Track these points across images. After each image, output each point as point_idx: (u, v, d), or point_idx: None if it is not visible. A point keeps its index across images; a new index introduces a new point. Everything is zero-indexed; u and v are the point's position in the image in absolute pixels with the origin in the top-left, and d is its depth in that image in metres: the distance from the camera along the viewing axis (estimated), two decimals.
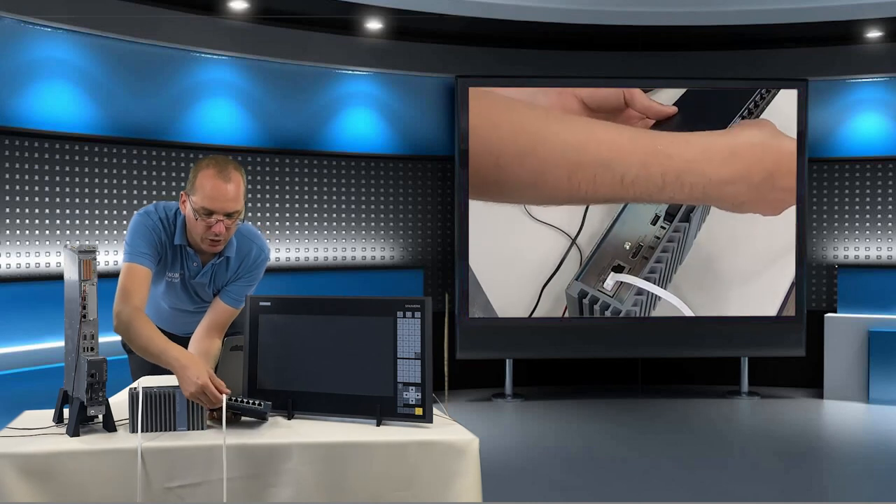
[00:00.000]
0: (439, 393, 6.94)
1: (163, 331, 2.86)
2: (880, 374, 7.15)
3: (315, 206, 7.34)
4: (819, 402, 7.33)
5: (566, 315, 7.20)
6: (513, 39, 7.60)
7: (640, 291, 7.17)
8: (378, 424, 2.47)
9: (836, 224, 7.79)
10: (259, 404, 2.43)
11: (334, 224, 7.42)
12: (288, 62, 7.11)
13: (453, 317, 7.30)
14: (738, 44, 7.63)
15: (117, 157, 6.33)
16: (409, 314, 2.49)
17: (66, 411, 2.45)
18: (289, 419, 2.54)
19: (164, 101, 6.55)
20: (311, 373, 2.56)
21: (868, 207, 7.72)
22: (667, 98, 7.29)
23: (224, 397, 2.39)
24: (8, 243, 5.74)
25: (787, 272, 7.38)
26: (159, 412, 2.39)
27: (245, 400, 2.44)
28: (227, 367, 2.87)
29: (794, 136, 7.32)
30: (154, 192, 6.51)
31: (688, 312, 7.28)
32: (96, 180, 6.21)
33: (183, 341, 2.88)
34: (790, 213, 7.34)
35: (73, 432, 2.32)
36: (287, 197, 7.22)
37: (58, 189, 6.00)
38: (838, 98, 7.71)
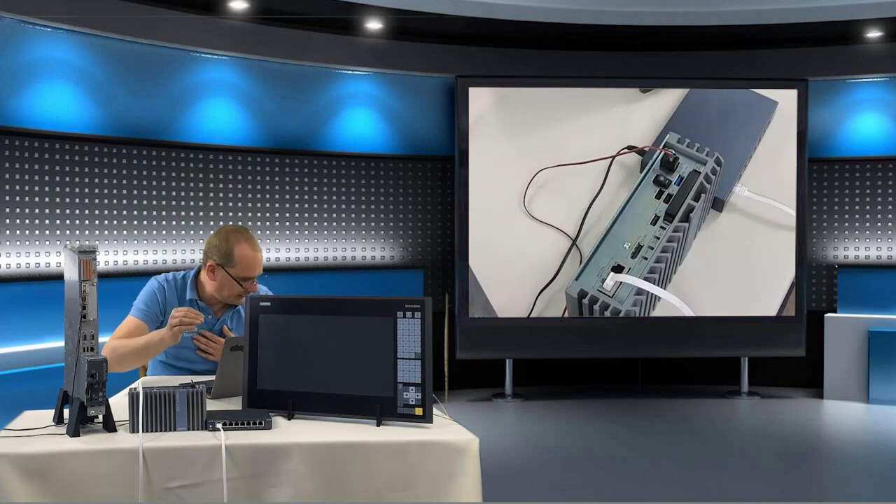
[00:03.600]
0: (439, 393, 6.94)
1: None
2: (880, 374, 7.15)
3: (315, 206, 7.34)
4: (819, 402, 7.33)
5: (566, 315, 7.20)
6: (513, 39, 7.60)
7: (640, 291, 7.17)
8: (378, 424, 2.47)
9: (836, 224, 7.79)
10: (259, 423, 2.42)
11: (334, 224, 7.42)
12: (288, 62, 7.11)
13: (453, 317, 7.31)
14: (738, 44, 7.63)
15: (117, 157, 6.33)
16: (409, 314, 2.49)
17: (66, 411, 2.45)
18: (289, 419, 2.54)
19: (164, 101, 6.55)
20: (311, 373, 2.56)
21: (868, 207, 7.72)
22: (667, 99, 7.30)
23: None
24: (8, 243, 5.74)
25: (787, 272, 7.39)
26: (159, 412, 2.39)
27: (245, 422, 2.42)
28: (228, 367, 2.87)
29: (794, 135, 7.35)
30: (154, 192, 6.51)
31: (688, 312, 7.28)
32: (96, 180, 6.20)
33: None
34: (790, 214, 7.35)
35: (73, 432, 2.32)
36: (287, 197, 7.22)
37: (58, 189, 5.99)
38: (838, 98, 7.71)
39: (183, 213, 6.67)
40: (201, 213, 6.78)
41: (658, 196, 7.18)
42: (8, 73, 5.72)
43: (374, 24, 7.09)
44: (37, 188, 5.88)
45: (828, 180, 7.80)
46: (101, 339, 2.41)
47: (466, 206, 7.24)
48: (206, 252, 3.34)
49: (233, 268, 3.27)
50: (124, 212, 6.35)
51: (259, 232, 7.06)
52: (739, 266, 7.35)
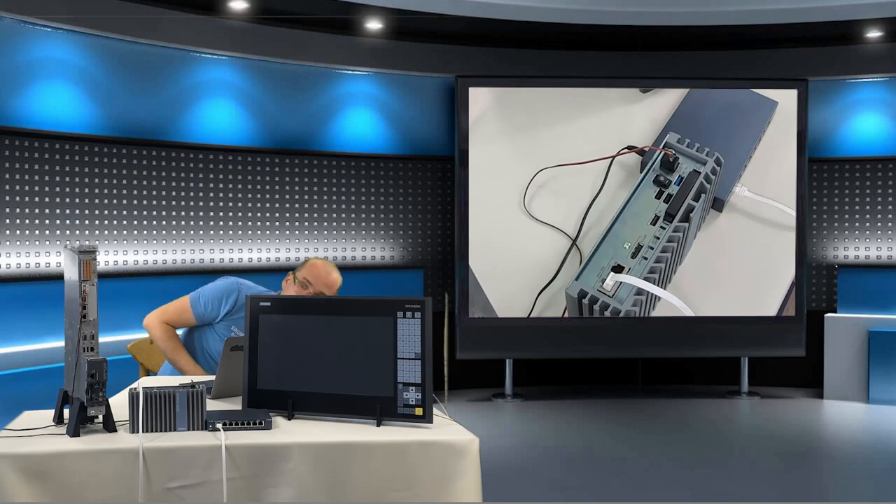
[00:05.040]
0: (439, 393, 6.94)
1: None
2: (880, 374, 7.15)
3: (315, 206, 7.34)
4: (819, 402, 7.33)
5: (566, 315, 7.20)
6: (513, 39, 7.60)
7: (640, 291, 7.17)
8: (378, 425, 2.47)
9: (836, 224, 7.79)
10: (259, 423, 2.42)
11: (334, 224, 7.42)
12: (288, 62, 7.10)
13: (453, 317, 7.30)
14: (738, 44, 7.63)
15: (117, 157, 6.32)
16: (409, 314, 2.49)
17: (66, 411, 2.45)
18: (289, 419, 2.54)
19: (164, 101, 6.55)
20: (311, 373, 2.56)
21: (868, 207, 7.72)
22: (667, 99, 7.30)
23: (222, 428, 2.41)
24: (8, 243, 5.74)
25: (787, 272, 7.39)
26: (159, 412, 2.39)
27: (245, 422, 2.42)
28: (228, 367, 2.87)
29: (794, 135, 7.36)
30: (154, 192, 6.51)
31: (688, 312, 7.28)
32: (96, 180, 6.20)
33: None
34: (790, 214, 7.35)
35: (73, 432, 2.32)
36: (287, 197, 7.22)
37: (58, 189, 5.99)
38: (838, 98, 7.71)
39: (183, 213, 6.67)
40: (201, 213, 6.78)
41: (658, 196, 7.18)
42: (8, 73, 5.72)
43: (374, 24, 7.09)
44: (37, 188, 5.88)
45: (828, 180, 7.80)
46: (101, 340, 2.41)
47: (466, 206, 7.24)
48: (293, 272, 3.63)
49: (311, 284, 3.50)
50: (124, 212, 6.35)
51: (259, 232, 7.07)
52: (739, 266, 7.34)
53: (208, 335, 3.59)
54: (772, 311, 7.39)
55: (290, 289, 3.54)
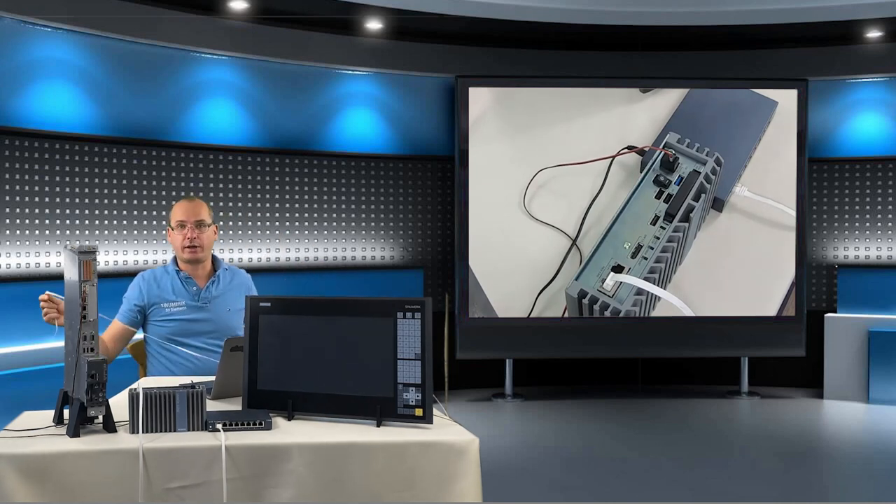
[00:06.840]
0: (439, 393, 6.94)
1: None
2: (880, 374, 7.15)
3: (315, 206, 7.34)
4: (819, 402, 7.33)
5: (566, 315, 7.20)
6: (513, 39, 7.60)
7: (640, 291, 7.17)
8: (378, 425, 2.47)
9: (836, 224, 7.79)
10: (259, 423, 2.42)
11: (334, 224, 7.42)
12: (288, 62, 7.10)
13: (453, 317, 7.30)
14: (738, 44, 7.63)
15: (117, 157, 6.32)
16: (409, 315, 2.49)
17: (66, 412, 2.45)
18: (289, 420, 2.54)
19: (164, 101, 6.55)
20: (311, 373, 2.56)
21: (868, 207, 7.72)
22: (667, 99, 7.30)
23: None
24: (8, 243, 5.74)
25: (787, 272, 7.39)
26: (159, 413, 2.39)
27: (245, 422, 2.42)
28: (228, 367, 2.87)
29: (794, 135, 7.36)
30: (154, 192, 6.51)
31: (688, 312, 7.28)
32: (96, 180, 6.20)
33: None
34: (790, 214, 7.35)
35: (73, 433, 2.32)
36: (287, 197, 7.22)
37: (58, 189, 5.99)
38: (838, 98, 7.71)
39: None
40: None
41: (658, 196, 7.19)
42: (8, 73, 5.72)
43: (374, 24, 7.09)
44: (37, 188, 5.88)
45: (828, 180, 7.80)
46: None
47: (466, 206, 7.24)
48: None
49: (172, 221, 3.66)
50: (124, 212, 6.35)
51: (259, 232, 7.07)
52: (739, 266, 7.34)
53: (149, 329, 3.64)
54: (772, 311, 7.39)
55: (173, 238, 3.66)
